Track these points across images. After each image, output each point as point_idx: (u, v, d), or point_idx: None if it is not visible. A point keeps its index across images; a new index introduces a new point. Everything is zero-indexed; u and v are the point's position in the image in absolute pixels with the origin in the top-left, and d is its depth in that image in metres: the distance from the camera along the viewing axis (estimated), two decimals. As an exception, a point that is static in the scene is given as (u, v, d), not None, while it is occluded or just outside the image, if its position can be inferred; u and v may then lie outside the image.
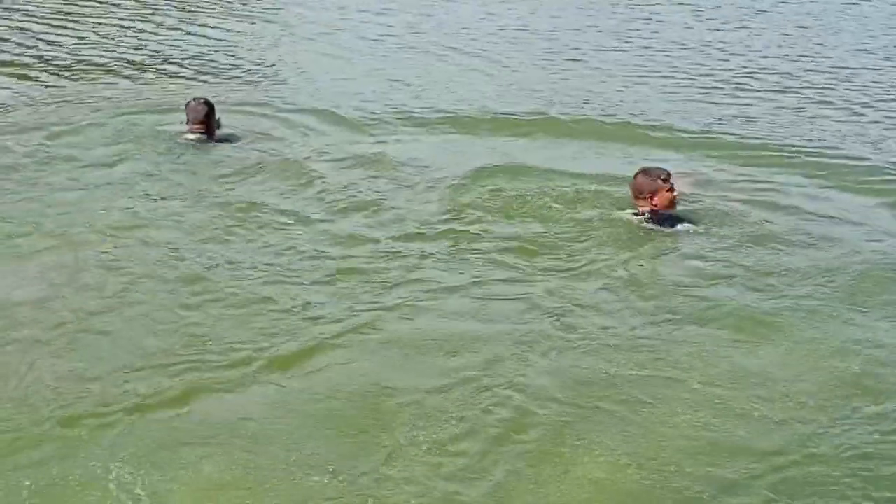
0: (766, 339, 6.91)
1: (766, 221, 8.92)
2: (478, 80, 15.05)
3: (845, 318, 7.24)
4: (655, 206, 8.21)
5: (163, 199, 9.14)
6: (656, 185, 8.21)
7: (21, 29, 17.13)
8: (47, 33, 16.49)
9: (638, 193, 8.30)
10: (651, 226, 8.26)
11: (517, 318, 7.23)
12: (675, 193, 8.25)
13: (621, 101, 13.73)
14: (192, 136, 10.41)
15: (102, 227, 8.40)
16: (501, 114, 12.76)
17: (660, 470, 5.55)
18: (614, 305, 7.33)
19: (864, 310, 7.41)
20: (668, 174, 8.27)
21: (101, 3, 19.71)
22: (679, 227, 8.29)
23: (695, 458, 5.56)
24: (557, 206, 9.02)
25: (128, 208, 8.93)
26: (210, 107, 10.50)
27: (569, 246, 8.26)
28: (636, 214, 8.32)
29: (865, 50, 20.22)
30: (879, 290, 7.74)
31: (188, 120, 10.43)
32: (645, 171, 8.37)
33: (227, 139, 10.68)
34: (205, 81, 13.82)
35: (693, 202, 9.02)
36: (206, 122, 10.40)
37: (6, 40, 16.33)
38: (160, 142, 10.66)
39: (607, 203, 8.96)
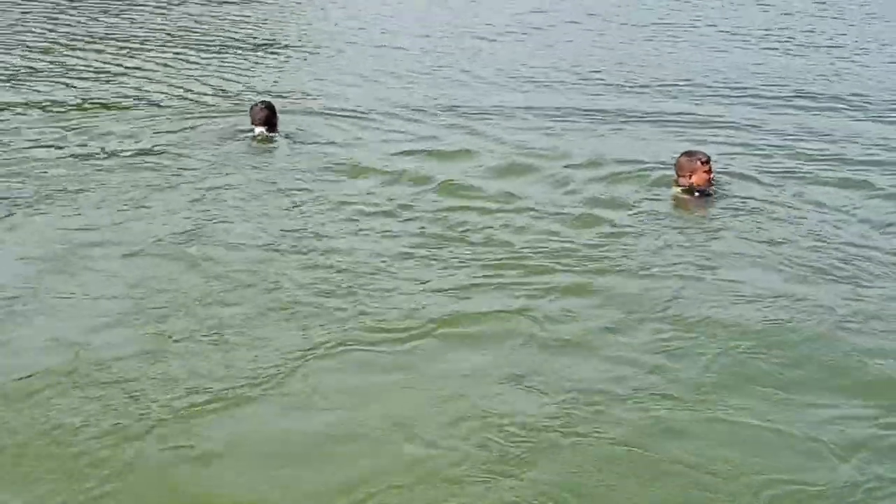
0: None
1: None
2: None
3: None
4: (692, 182, 9.30)
5: (238, 185, 10.02)
6: (695, 166, 9.27)
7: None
8: (127, 66, 17.02)
9: (680, 171, 9.37)
10: (687, 196, 9.35)
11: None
12: (711, 175, 9.30)
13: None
14: (257, 134, 11.47)
15: (194, 212, 9.21)
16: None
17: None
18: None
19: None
20: (708, 158, 9.31)
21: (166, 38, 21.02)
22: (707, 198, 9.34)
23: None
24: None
25: (211, 189, 9.81)
26: (271, 108, 11.62)
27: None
28: (679, 187, 9.43)
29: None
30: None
31: (252, 120, 11.52)
32: (687, 153, 9.47)
33: (286, 136, 11.65)
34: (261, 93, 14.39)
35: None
36: (269, 121, 11.50)
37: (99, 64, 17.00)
38: (232, 139, 11.60)
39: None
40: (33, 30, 19.98)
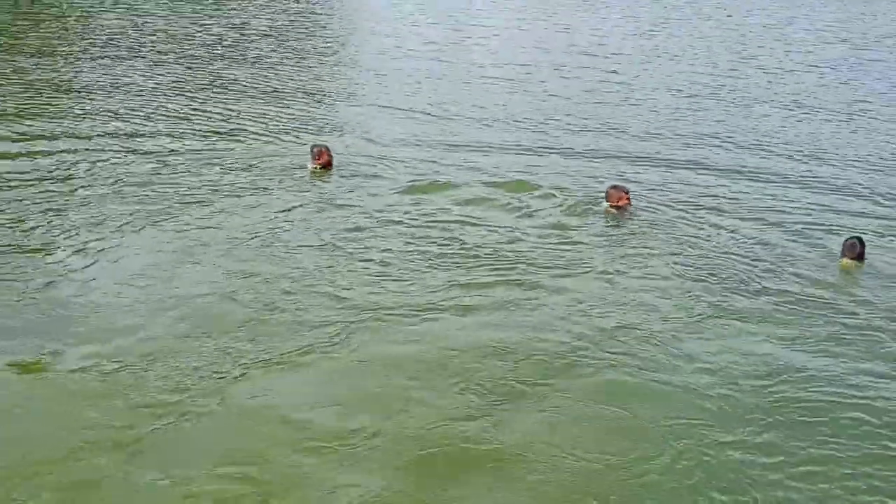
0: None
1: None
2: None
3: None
4: (616, 205, 11.72)
5: (301, 205, 11.50)
6: (619, 195, 11.73)
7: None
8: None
9: (608, 198, 11.82)
10: (615, 212, 11.68)
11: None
12: (627, 202, 11.65)
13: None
14: (314, 168, 12.88)
15: (263, 229, 10.67)
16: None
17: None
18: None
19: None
20: (627, 190, 11.80)
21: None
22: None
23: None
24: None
25: (280, 212, 11.19)
26: (327, 149, 12.96)
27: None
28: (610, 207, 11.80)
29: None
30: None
31: (312, 157, 12.90)
32: (614, 186, 11.95)
33: (338, 170, 12.97)
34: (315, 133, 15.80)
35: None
36: (325, 159, 12.88)
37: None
38: (296, 172, 12.96)
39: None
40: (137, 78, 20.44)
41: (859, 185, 13.67)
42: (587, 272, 9.77)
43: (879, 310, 8.99)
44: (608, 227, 11.44)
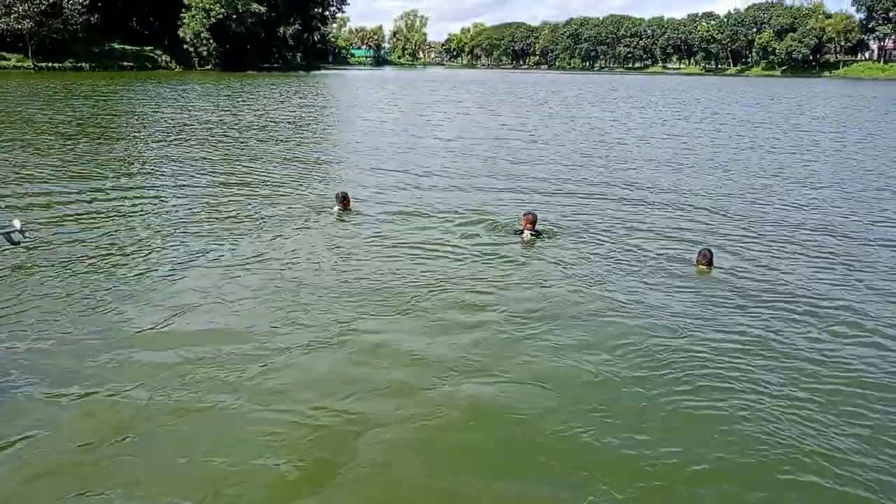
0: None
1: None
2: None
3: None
4: (526, 227, 11.40)
5: (326, 238, 11.26)
6: (527, 219, 11.43)
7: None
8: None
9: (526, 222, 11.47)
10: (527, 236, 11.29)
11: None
12: (534, 224, 11.41)
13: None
14: (339, 210, 12.87)
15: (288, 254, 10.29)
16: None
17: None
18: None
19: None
20: (533, 215, 11.47)
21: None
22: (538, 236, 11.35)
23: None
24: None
25: (309, 248, 10.80)
26: (345, 196, 12.90)
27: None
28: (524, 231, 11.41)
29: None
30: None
31: (337, 202, 12.83)
32: (525, 213, 11.64)
33: (357, 212, 12.86)
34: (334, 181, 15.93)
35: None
36: (346, 202, 12.84)
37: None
38: (325, 213, 12.82)
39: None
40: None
41: (708, 211, 14.07)
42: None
43: (724, 300, 8.96)
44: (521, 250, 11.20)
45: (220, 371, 6.59)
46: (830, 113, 38.90)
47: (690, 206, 14.69)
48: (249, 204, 13.52)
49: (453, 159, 20.10)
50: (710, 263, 10.09)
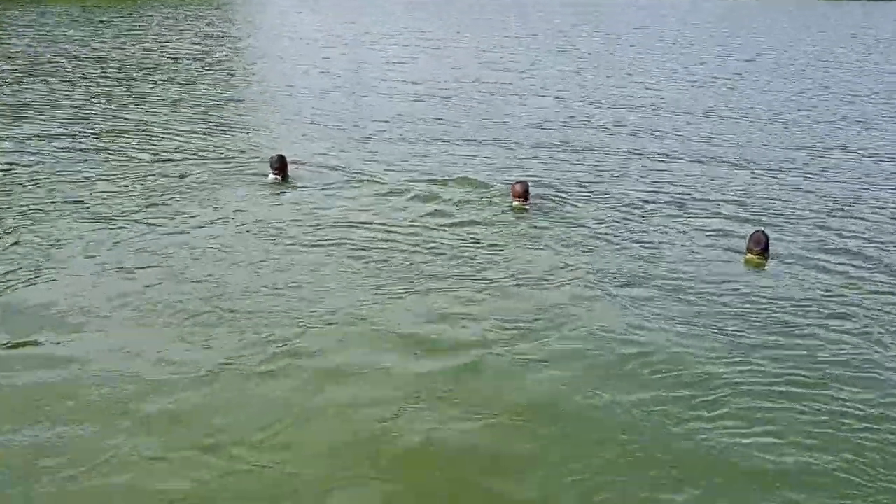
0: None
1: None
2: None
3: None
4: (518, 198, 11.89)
5: (259, 211, 11.54)
6: (524, 190, 11.96)
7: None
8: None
9: (513, 192, 12.03)
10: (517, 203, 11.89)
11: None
12: (526, 196, 11.88)
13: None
14: (272, 178, 12.96)
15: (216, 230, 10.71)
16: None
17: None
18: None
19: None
20: (523, 184, 11.94)
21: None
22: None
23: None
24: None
25: (235, 213, 11.31)
26: (282, 160, 12.99)
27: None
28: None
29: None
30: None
31: (271, 167, 12.94)
32: (520, 182, 12.13)
33: (297, 180, 13.05)
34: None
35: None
36: (283, 168, 12.94)
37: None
38: (252, 183, 12.93)
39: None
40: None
41: (763, 175, 14.38)
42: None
43: (786, 304, 9.01)
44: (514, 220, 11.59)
45: (90, 403, 6.70)
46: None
47: (737, 168, 14.93)
48: (141, 171, 13.45)
49: (421, 109, 20.38)
50: (764, 251, 10.20)
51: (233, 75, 25.92)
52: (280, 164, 13.03)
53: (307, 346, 7.74)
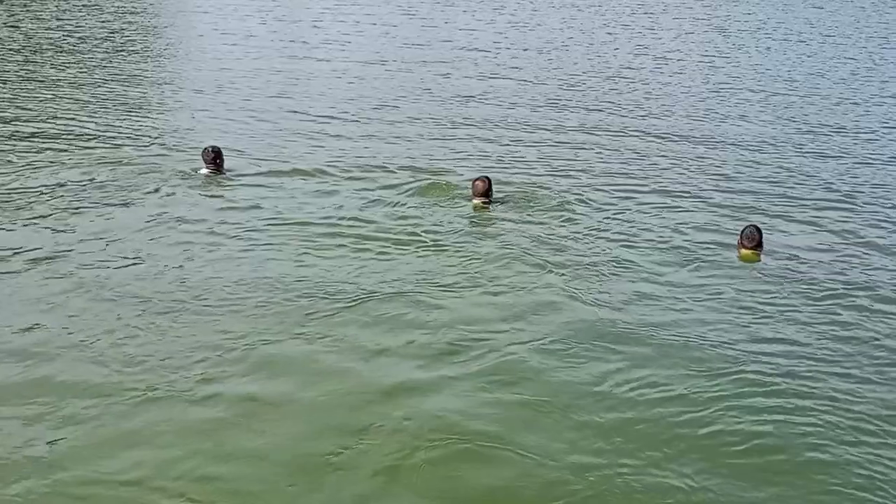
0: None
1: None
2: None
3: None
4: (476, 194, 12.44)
5: (185, 204, 12.02)
6: (486, 188, 12.42)
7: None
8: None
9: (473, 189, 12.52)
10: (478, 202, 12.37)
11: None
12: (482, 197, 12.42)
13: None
14: (205, 172, 13.41)
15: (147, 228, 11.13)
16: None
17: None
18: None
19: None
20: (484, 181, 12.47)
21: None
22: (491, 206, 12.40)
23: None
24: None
25: (162, 214, 11.62)
26: (217, 152, 13.46)
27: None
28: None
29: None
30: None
31: (204, 160, 13.37)
32: (480, 178, 12.58)
33: (227, 173, 13.50)
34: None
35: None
36: (217, 161, 13.42)
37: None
38: (186, 175, 13.35)
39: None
40: None
41: (756, 164, 15.08)
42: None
43: (785, 303, 9.67)
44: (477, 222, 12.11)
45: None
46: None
47: (727, 150, 15.64)
48: (46, 166, 13.70)
49: (368, 92, 20.86)
50: (758, 246, 10.86)
51: (149, 56, 26.08)
52: (214, 156, 13.46)
53: (237, 369, 8.09)
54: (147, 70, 23.32)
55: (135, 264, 10.16)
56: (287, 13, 37.56)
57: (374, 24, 34.64)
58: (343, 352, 8.37)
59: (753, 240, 10.85)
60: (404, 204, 12.57)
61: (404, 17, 36.94)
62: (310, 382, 7.83)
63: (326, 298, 9.41)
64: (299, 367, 8.08)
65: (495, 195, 12.63)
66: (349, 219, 11.82)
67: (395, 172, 13.96)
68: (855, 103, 20.81)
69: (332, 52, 26.97)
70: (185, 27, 33.14)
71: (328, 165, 14.25)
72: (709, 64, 26.31)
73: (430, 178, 13.67)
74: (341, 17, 36.35)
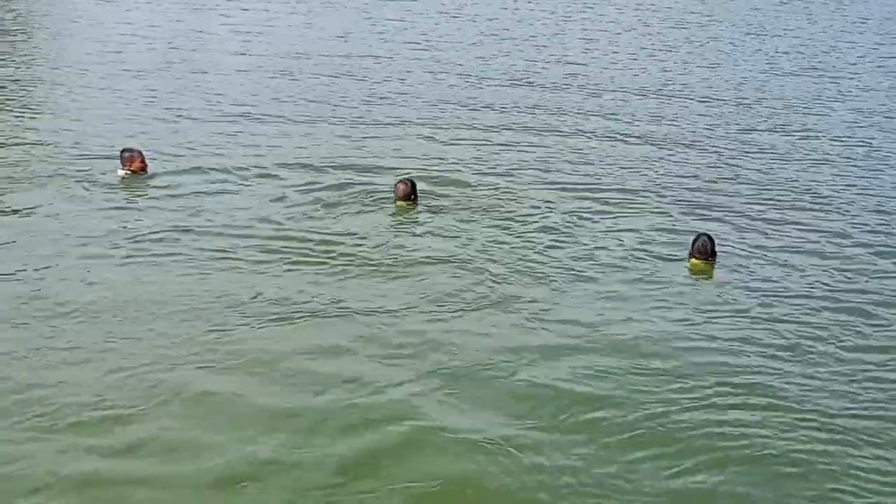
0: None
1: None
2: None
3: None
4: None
5: (108, 208, 12.62)
6: (409, 191, 13.37)
7: None
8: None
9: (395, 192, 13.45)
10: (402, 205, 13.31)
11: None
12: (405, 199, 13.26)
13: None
14: (125, 175, 14.03)
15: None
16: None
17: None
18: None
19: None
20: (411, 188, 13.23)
21: None
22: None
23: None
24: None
25: (67, 223, 12.15)
26: (133, 153, 14.13)
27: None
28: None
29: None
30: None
31: (123, 162, 14.02)
32: (403, 181, 13.38)
33: (147, 175, 14.11)
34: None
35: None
36: (138, 163, 14.07)
37: None
38: (94, 182, 13.84)
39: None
40: None
41: (706, 166, 15.98)
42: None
43: (738, 314, 10.51)
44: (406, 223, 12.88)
45: None
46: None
47: (678, 151, 16.46)
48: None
49: (288, 89, 21.51)
50: (710, 256, 11.74)
51: (37, 48, 26.25)
52: (132, 157, 14.12)
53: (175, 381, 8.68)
54: (34, 65, 23.48)
55: (21, 281, 10.51)
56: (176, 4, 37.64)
57: (292, 12, 35.07)
58: (253, 374, 8.87)
59: (705, 251, 11.56)
60: (324, 208, 13.26)
61: (323, 6, 37.34)
62: (216, 422, 8.20)
63: (239, 316, 9.92)
64: (207, 401, 8.46)
65: (421, 198, 13.39)
66: (267, 225, 12.52)
67: (315, 174, 14.67)
68: (809, 104, 21.92)
69: (245, 45, 27.49)
70: (76, 16, 32.99)
71: (245, 167, 14.93)
72: (658, 62, 27.27)
73: (351, 180, 14.34)
74: (252, 3, 36.65)
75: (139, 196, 13.57)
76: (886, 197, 14.98)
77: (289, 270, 11.15)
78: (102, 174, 14.21)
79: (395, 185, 13.56)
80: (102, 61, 24.16)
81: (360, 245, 12.01)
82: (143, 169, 14.25)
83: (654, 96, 21.90)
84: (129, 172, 14.11)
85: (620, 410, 8.43)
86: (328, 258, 11.56)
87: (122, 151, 14.33)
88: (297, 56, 25.98)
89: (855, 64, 28.13)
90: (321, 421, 8.09)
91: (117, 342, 9.30)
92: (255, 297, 10.37)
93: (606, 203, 13.84)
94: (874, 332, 10.22)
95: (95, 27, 29.96)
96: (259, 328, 9.74)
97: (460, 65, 25.41)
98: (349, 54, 26.70)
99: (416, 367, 9.09)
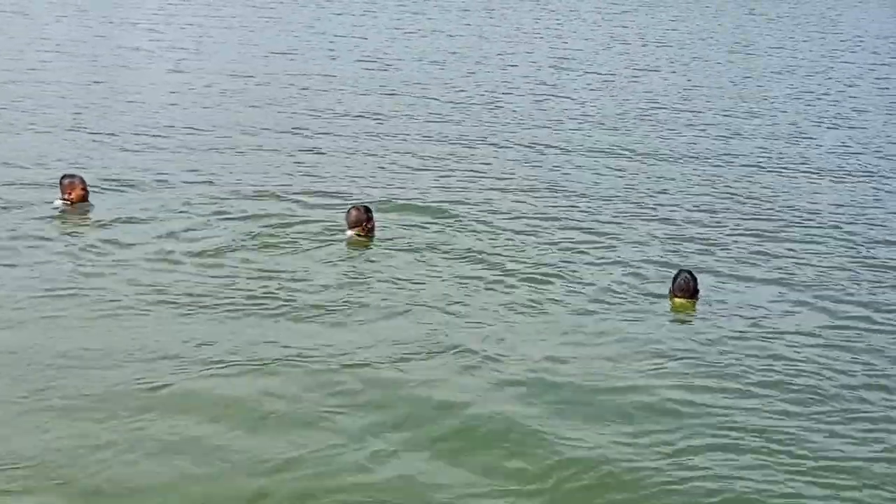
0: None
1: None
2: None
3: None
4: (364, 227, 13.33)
5: (45, 239, 12.77)
6: (363, 218, 13.32)
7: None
8: None
9: (348, 219, 13.39)
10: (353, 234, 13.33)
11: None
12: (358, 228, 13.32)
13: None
14: (63, 203, 14.04)
15: None
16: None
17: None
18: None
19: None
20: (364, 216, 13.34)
21: None
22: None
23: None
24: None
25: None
26: (75, 181, 14.14)
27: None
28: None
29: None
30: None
31: (62, 190, 14.03)
32: (355, 208, 13.42)
33: (85, 205, 14.16)
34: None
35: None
36: (78, 191, 14.08)
37: None
38: (38, 207, 14.02)
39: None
40: None
41: (686, 197, 16.36)
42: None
43: (723, 354, 10.74)
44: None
45: None
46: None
47: (656, 167, 17.02)
48: None
49: (227, 108, 22.07)
50: (692, 294, 11.98)
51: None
52: (71, 184, 14.16)
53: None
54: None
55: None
56: (112, 12, 37.62)
57: (228, 27, 35.35)
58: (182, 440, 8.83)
59: (687, 289, 11.82)
60: (269, 243, 13.29)
61: (261, 21, 37.55)
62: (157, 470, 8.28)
63: (165, 368, 9.91)
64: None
65: (378, 226, 13.44)
66: (208, 261, 12.54)
67: (261, 203, 14.82)
68: (799, 130, 22.69)
69: (178, 63, 27.80)
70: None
71: (185, 199, 15.05)
72: (640, 84, 27.96)
73: (297, 211, 14.53)
74: (184, 18, 36.70)
75: (78, 227, 13.70)
76: (881, 226, 15.46)
77: (228, 314, 11.13)
78: (34, 205, 14.28)
79: (348, 210, 13.41)
80: (19, 80, 24.23)
81: (306, 283, 12.04)
82: (85, 198, 14.26)
83: (634, 122, 22.34)
84: (68, 202, 14.12)
85: (590, 455, 8.64)
86: (270, 299, 11.55)
87: (63, 178, 14.32)
88: (234, 75, 26.34)
89: (850, 86, 28.99)
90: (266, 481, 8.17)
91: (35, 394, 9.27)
92: (189, 343, 10.38)
93: (583, 233, 14.18)
94: (863, 370, 10.52)
95: (9, 42, 30.01)
96: (196, 378, 9.75)
97: (420, 84, 25.78)
98: (295, 72, 27.12)
99: (375, 418, 9.12)
